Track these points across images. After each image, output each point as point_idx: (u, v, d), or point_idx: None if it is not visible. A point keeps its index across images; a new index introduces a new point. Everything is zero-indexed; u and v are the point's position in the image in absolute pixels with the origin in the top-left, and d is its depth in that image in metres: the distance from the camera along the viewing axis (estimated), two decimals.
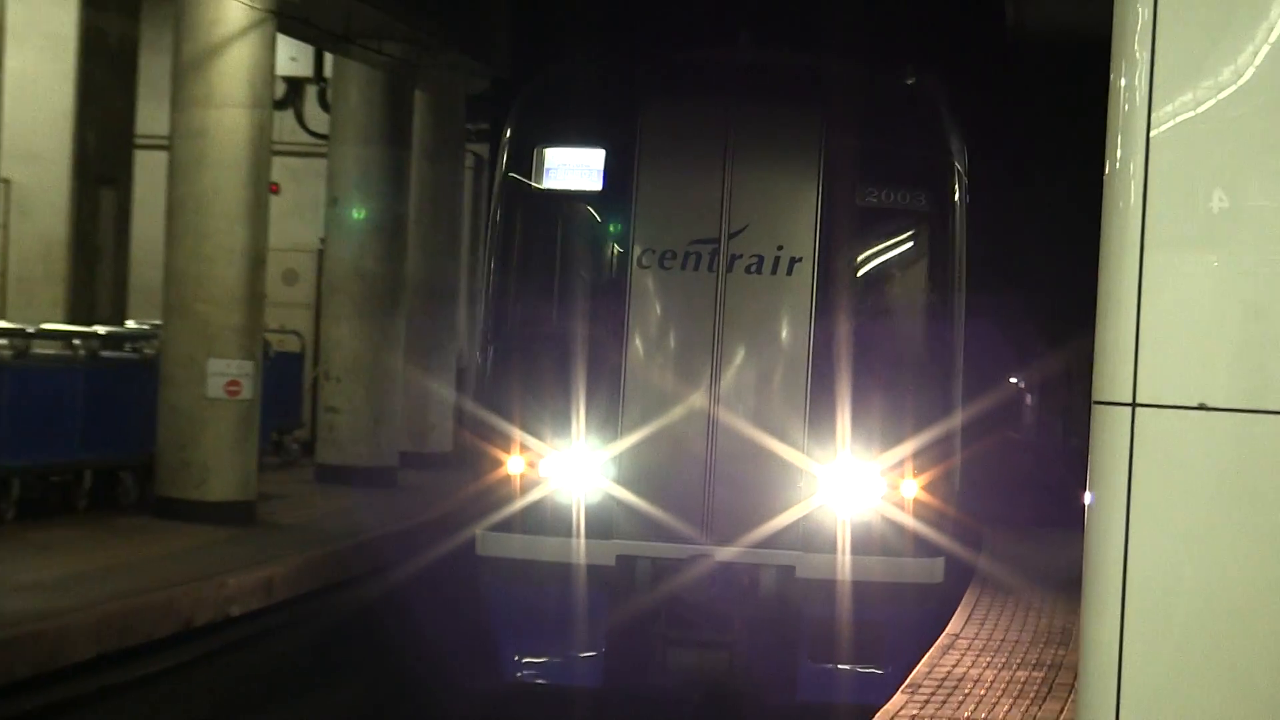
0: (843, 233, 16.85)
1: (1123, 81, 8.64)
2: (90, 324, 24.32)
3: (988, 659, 15.35)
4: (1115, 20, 8.62)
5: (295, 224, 33.82)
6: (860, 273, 17.23)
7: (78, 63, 24.97)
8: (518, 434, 16.76)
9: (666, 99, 17.48)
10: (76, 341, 23.00)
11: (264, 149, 23.67)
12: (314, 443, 30.77)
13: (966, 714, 13.18)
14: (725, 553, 16.40)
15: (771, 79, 18.23)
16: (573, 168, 17.34)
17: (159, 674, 17.16)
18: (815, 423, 16.48)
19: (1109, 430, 8.67)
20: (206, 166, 22.96)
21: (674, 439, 16.50)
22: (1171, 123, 8.59)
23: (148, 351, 24.45)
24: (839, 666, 16.70)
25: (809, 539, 16.43)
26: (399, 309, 30.19)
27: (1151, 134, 8.61)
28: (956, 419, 17.12)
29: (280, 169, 29.92)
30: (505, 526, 16.83)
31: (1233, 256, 8.66)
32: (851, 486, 16.42)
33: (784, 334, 16.66)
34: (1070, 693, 13.64)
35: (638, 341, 16.59)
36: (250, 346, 23.27)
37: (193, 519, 22.34)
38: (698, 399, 16.49)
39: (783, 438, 16.45)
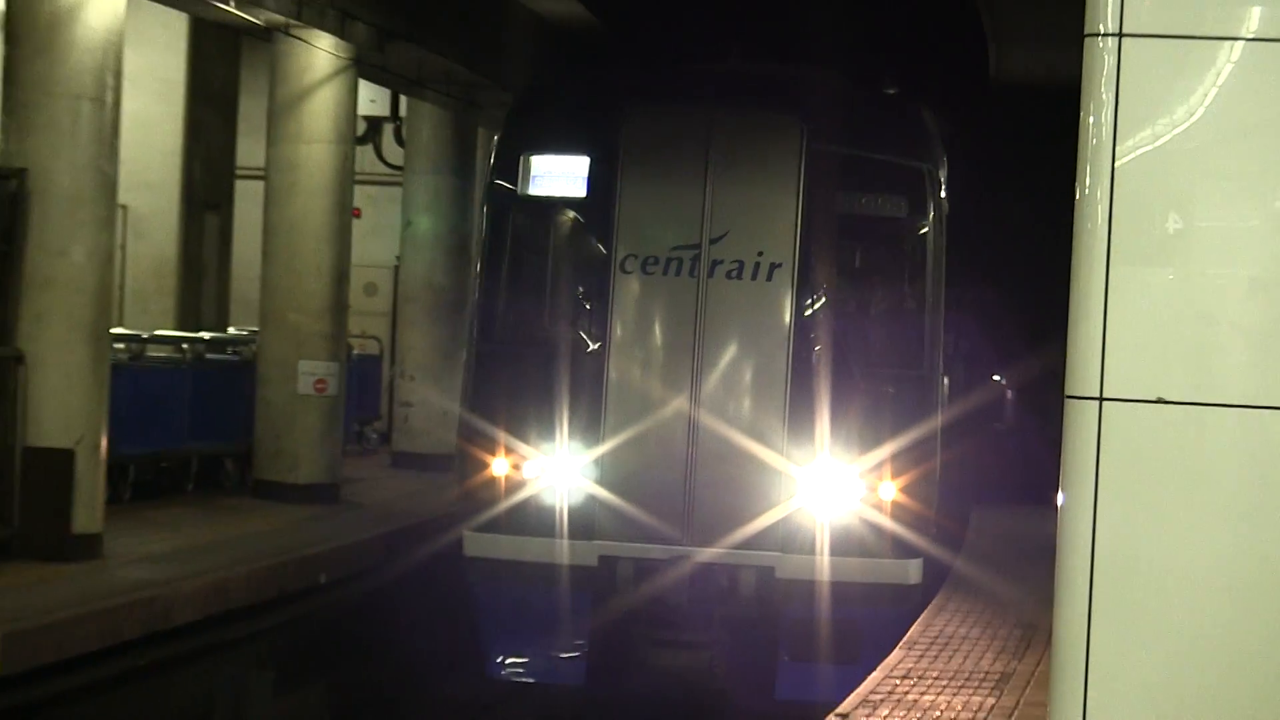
0: (822, 238, 15.06)
1: (1091, 119, 8.59)
2: (196, 331, 24.42)
3: (974, 618, 15.09)
4: (1085, 66, 8.59)
5: (375, 243, 33.83)
6: (840, 278, 15.41)
7: (186, 105, 25.11)
8: (503, 436, 15.08)
9: (649, 107, 15.50)
10: (184, 346, 23.11)
11: (348, 179, 23.75)
12: (390, 433, 30.81)
13: (956, 666, 13.10)
14: (706, 553, 14.68)
15: (753, 87, 16.52)
16: (557, 175, 15.56)
17: (256, 634, 17.21)
18: (795, 425, 14.73)
19: (1079, 421, 8.69)
20: (298, 194, 23.02)
21: (655, 441, 14.76)
22: (1133, 155, 8.59)
23: (246, 354, 24.55)
24: (817, 665, 14.93)
25: (788, 540, 14.75)
26: (464, 316, 30.26)
27: (1116, 164, 8.61)
28: (937, 421, 15.27)
29: (361, 196, 29.95)
30: (491, 527, 15.13)
31: (1186, 270, 8.66)
32: (830, 488, 14.74)
33: (764, 338, 14.82)
34: (1047, 646, 13.51)
35: (620, 345, 14.80)
36: (335, 350, 23.35)
37: (285, 499, 22.39)
38: (679, 402, 14.75)
39: (762, 440, 14.70)
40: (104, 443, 16.75)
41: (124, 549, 17.11)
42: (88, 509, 16.35)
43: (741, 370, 14.71)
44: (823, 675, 15.09)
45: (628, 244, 14.94)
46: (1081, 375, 8.66)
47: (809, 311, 14.95)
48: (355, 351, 29.32)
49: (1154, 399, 8.58)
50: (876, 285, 15.89)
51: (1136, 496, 8.61)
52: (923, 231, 15.28)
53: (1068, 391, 8.70)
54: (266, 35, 23.11)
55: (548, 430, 14.99)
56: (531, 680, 15.44)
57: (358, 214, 28.54)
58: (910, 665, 12.94)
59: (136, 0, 18.79)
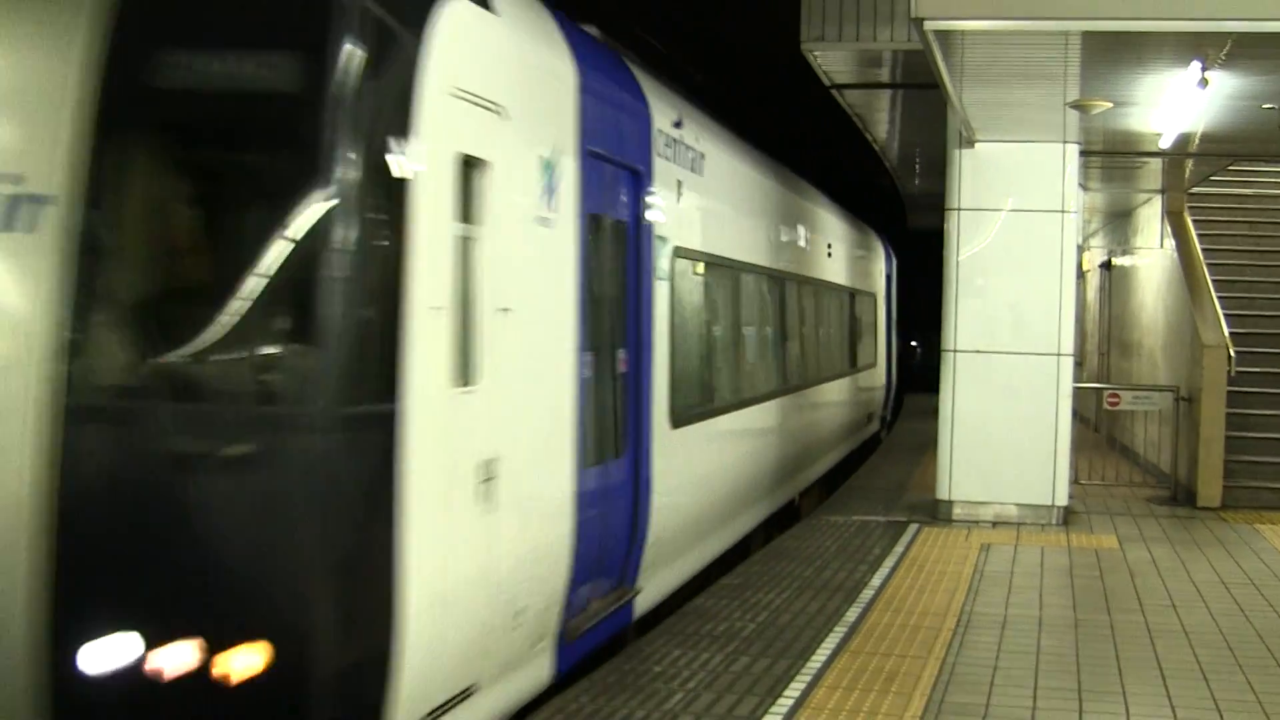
0: (137, 149, 5.34)
1: (949, 241, 12.46)
2: None
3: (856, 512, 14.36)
4: (946, 222, 12.43)
5: None
6: (175, 219, 5.41)
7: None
8: None
9: None
10: None
11: None
12: None
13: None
14: None
15: None
16: None
17: None
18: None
19: (947, 360, 12.45)
20: None
21: None
22: (966, 254, 12.35)
23: None
24: None
25: None
26: None
27: (959, 259, 12.36)
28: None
29: None
30: None
31: (984, 298, 12.08)
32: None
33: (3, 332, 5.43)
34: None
35: None
36: None
37: None
38: None
39: None
40: None
41: None
42: None
43: None
44: None
45: None
46: (947, 339, 12.47)
47: (105, 280, 5.45)
48: None
49: (975, 350, 12.36)
50: (250, 221, 5.47)
51: (969, 391, 12.32)
52: (334, 114, 5.33)
53: (942, 348, 12.52)
54: None
55: None
56: None
57: None
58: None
59: None
